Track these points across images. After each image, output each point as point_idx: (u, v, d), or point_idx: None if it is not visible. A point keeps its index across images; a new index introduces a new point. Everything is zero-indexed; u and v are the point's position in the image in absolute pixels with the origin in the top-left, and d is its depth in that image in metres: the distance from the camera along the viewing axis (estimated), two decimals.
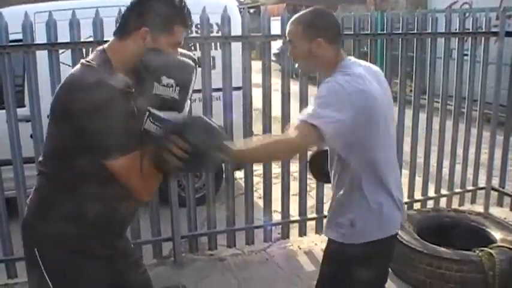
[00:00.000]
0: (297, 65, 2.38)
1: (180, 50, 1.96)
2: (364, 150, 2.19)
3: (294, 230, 4.58)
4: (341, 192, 2.31)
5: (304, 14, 2.31)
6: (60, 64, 3.59)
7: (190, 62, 1.88)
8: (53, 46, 3.57)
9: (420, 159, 4.80)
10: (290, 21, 2.31)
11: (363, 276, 2.24)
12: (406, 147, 4.61)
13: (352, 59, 2.33)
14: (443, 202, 5.00)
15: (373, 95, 2.13)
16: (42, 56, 3.60)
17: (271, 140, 2.17)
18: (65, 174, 1.85)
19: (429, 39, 4.66)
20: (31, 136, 3.64)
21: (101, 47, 1.91)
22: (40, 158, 1.97)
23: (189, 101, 1.92)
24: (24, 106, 4.16)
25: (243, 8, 4.73)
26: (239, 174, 5.19)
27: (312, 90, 4.02)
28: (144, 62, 1.76)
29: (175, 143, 1.72)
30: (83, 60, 1.85)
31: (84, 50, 3.66)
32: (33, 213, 1.95)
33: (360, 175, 2.22)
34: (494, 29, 4.99)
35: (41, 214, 1.91)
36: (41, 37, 3.68)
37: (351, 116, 2.04)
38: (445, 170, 4.97)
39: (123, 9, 1.90)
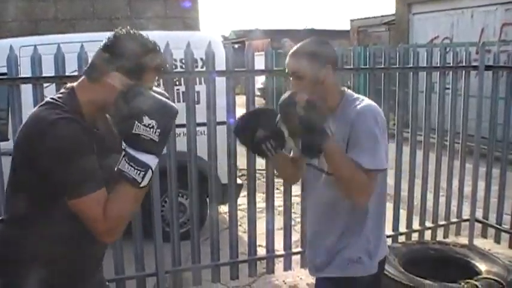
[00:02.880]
0: None
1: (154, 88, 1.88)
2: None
3: (279, 264, 4.55)
4: (345, 224, 2.22)
5: (305, 44, 2.18)
6: (45, 98, 3.58)
7: (174, 105, 1.78)
8: (37, 80, 3.57)
9: (404, 192, 4.82)
10: (291, 54, 2.16)
11: None
12: (390, 180, 4.62)
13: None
14: (428, 235, 5.00)
15: None
16: (26, 89, 3.59)
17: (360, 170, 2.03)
18: (29, 219, 1.77)
19: (411, 73, 4.74)
20: None
21: (70, 85, 1.88)
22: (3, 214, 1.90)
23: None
24: (8, 140, 4.13)
25: (228, 43, 4.78)
26: (223, 209, 5.16)
27: None
28: (127, 99, 1.70)
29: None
30: (48, 98, 1.82)
31: (68, 84, 3.66)
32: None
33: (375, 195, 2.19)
34: (474, 63, 5.09)
35: (7, 262, 1.81)
36: (25, 71, 3.68)
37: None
38: (429, 203, 4.99)
39: None
